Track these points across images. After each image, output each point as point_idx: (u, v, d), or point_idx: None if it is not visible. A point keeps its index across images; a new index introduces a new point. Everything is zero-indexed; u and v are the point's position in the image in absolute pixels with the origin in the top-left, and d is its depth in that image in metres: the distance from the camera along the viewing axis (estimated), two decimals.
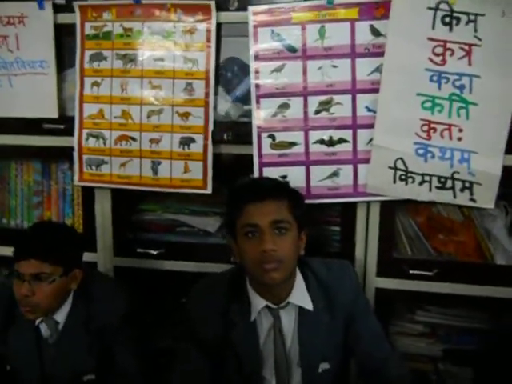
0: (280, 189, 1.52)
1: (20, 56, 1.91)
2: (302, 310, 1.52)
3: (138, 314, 1.72)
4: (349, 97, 1.70)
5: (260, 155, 1.76)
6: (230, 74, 1.82)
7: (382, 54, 1.65)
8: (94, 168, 1.90)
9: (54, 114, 1.91)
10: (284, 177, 1.74)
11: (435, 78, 1.64)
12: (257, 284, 1.51)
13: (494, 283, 1.74)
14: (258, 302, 1.51)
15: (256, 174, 1.78)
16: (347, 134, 1.72)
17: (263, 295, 1.50)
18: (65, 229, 1.67)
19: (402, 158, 1.69)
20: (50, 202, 2.07)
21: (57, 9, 1.86)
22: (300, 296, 1.52)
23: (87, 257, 1.87)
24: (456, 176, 1.68)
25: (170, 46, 1.79)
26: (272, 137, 1.75)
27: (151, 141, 1.84)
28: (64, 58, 1.93)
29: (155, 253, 1.93)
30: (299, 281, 1.54)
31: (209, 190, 1.82)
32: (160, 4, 1.78)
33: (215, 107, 1.80)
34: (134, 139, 1.86)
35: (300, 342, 1.52)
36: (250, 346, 1.52)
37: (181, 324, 1.64)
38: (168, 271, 1.94)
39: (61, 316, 1.62)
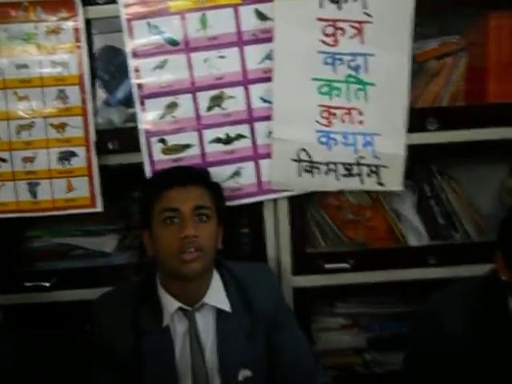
0: (202, 175, 1.47)
1: None
2: (219, 313, 1.42)
3: (35, 359, 1.52)
4: (241, 89, 1.58)
5: (152, 162, 1.60)
6: (107, 75, 1.62)
7: (271, 40, 1.54)
8: None
9: None
10: None
11: (329, 61, 1.55)
12: (170, 282, 1.39)
13: (410, 265, 1.70)
14: (171, 304, 1.38)
15: None
16: (244, 129, 1.60)
17: (176, 296, 1.38)
18: None
19: (304, 149, 1.60)
20: None
21: None
22: (217, 296, 1.42)
23: None
24: (361, 161, 1.61)
25: (33, 50, 1.57)
26: (163, 141, 1.59)
27: (24, 160, 1.62)
28: None
29: (48, 284, 1.71)
30: (216, 280, 1.44)
31: (99, 208, 1.64)
32: (15, 3, 1.55)
33: (95, 114, 1.61)
34: (3, 160, 1.62)
35: (218, 346, 1.41)
36: (164, 355, 1.39)
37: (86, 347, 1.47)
38: (65, 302, 1.73)
39: None
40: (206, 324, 1.42)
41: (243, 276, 1.47)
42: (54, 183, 1.63)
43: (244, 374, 1.42)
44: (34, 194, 1.63)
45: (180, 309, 1.39)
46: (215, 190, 1.46)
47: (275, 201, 1.66)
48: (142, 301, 1.42)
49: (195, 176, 1.44)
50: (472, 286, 1.34)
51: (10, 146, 1.62)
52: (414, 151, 1.61)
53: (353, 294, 1.81)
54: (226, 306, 1.42)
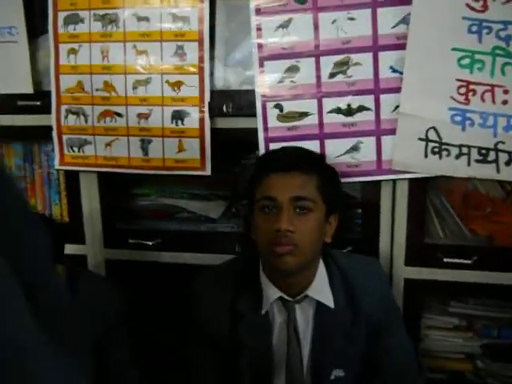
0: (311, 161, 1.32)
1: None
2: (320, 307, 1.31)
3: (133, 316, 1.51)
4: (369, 55, 1.44)
5: (266, 129, 1.51)
6: (227, 33, 1.54)
7: (409, 2, 1.38)
8: (75, 149, 1.67)
9: (29, 89, 1.66)
10: None
11: (475, 29, 1.36)
12: (271, 270, 1.31)
13: None
14: (272, 293, 1.31)
15: (262, 151, 1.53)
16: (368, 101, 1.46)
17: (278, 285, 1.30)
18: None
19: (434, 128, 1.43)
20: (34, 189, 1.84)
21: None
22: (320, 290, 1.32)
23: (75, 249, 1.69)
24: (500, 147, 1.42)
25: (155, 2, 1.53)
26: (279, 107, 1.50)
27: (139, 116, 1.59)
28: (36, 22, 1.67)
29: (151, 243, 1.70)
30: (321, 273, 1.33)
31: (207, 172, 1.58)
32: None
33: (211, 74, 1.54)
34: (119, 115, 1.61)
35: (314, 342, 1.32)
36: (261, 342, 1.32)
37: (184, 322, 1.42)
38: (166, 264, 1.71)
39: None
40: (305, 316, 1.33)
41: (351, 270, 1.36)
42: (166, 142, 1.59)
43: (337, 373, 1.33)
44: (145, 151, 1.61)
45: (280, 298, 1.31)
46: (326, 177, 1.31)
47: (394, 182, 1.52)
48: (243, 285, 1.35)
49: (300, 161, 1.29)
50: None
51: (126, 101, 1.60)
52: None
53: (471, 293, 1.63)
54: (329, 300, 1.32)
